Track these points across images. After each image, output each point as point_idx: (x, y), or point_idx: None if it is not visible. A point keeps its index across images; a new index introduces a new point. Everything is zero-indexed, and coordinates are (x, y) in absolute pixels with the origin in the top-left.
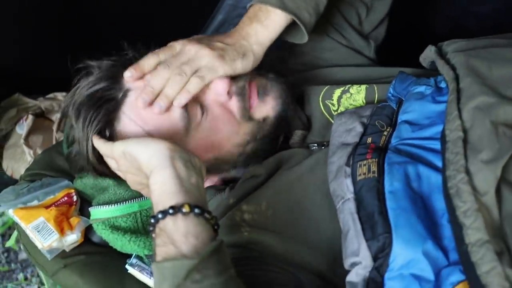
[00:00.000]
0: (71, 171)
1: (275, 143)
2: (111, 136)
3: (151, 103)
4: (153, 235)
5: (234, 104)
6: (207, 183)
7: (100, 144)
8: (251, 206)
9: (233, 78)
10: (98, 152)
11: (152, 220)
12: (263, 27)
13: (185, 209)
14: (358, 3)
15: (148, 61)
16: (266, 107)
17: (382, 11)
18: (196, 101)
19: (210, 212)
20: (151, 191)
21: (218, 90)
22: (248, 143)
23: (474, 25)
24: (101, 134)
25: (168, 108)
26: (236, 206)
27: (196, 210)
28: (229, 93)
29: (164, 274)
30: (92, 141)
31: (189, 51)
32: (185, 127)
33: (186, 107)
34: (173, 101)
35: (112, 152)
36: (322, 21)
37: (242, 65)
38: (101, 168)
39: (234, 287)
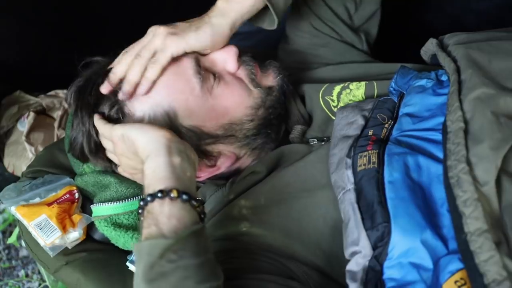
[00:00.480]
0: (73, 157)
1: (281, 120)
2: (117, 103)
3: (114, 88)
4: (142, 218)
5: (243, 72)
6: (226, 162)
7: (100, 124)
8: (249, 201)
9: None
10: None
11: (141, 203)
12: (226, 2)
13: (173, 193)
14: None
15: (120, 57)
16: (269, 78)
17: (371, 6)
18: (208, 71)
19: (198, 200)
20: (144, 176)
21: (228, 53)
22: (259, 108)
23: (475, 22)
24: (103, 113)
25: (132, 95)
26: (234, 201)
27: (184, 196)
28: (238, 61)
29: (141, 253)
30: (94, 122)
31: (148, 35)
32: (199, 85)
33: (199, 65)
34: (137, 89)
35: (111, 134)
36: (313, 18)
37: (197, 38)
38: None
39: (210, 271)
